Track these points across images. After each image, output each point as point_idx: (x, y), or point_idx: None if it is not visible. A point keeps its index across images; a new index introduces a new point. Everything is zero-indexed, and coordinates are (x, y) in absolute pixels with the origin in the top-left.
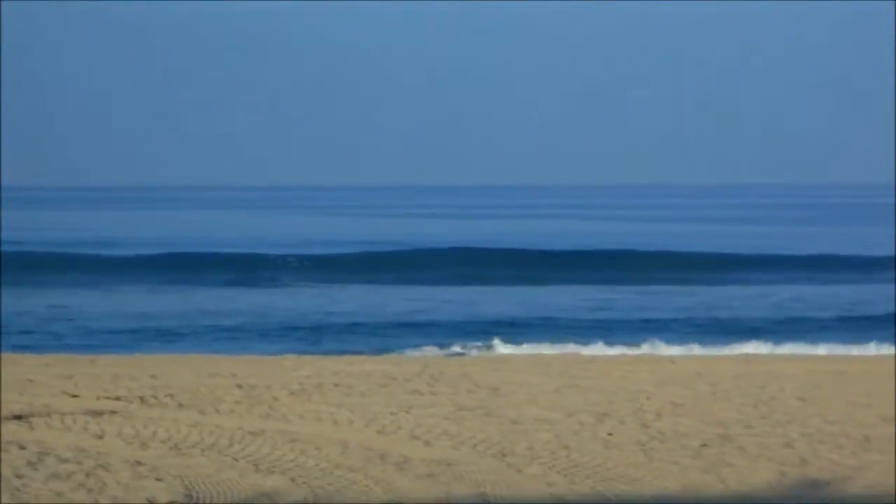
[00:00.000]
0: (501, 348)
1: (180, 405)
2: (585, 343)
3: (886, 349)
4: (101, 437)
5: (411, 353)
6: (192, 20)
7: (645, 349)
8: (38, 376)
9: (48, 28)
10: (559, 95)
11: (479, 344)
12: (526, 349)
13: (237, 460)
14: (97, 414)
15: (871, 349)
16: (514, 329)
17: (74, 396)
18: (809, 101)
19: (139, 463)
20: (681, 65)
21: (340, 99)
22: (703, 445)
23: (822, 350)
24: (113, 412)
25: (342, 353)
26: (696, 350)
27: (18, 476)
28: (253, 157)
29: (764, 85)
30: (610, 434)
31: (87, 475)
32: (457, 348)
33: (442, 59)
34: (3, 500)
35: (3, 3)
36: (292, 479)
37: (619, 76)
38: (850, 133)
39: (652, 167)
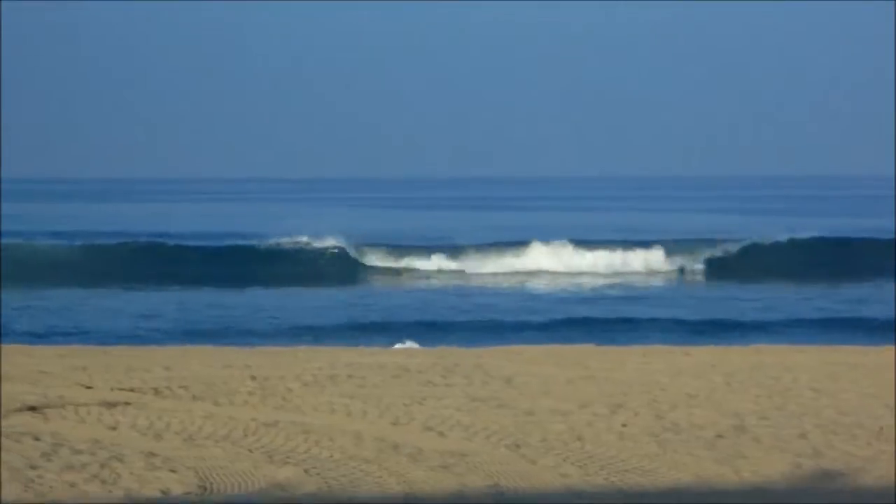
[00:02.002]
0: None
1: (194, 396)
2: None
3: None
4: (114, 429)
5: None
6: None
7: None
8: (51, 367)
9: (60, 22)
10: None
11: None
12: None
13: (251, 451)
14: (111, 405)
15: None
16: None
17: (88, 388)
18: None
19: (153, 454)
20: (681, 64)
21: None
22: (718, 436)
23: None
24: (127, 403)
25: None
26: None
27: (33, 467)
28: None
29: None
30: (624, 425)
31: (102, 466)
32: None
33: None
34: (16, 491)
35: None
36: (306, 471)
37: (621, 73)
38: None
39: (651, 160)
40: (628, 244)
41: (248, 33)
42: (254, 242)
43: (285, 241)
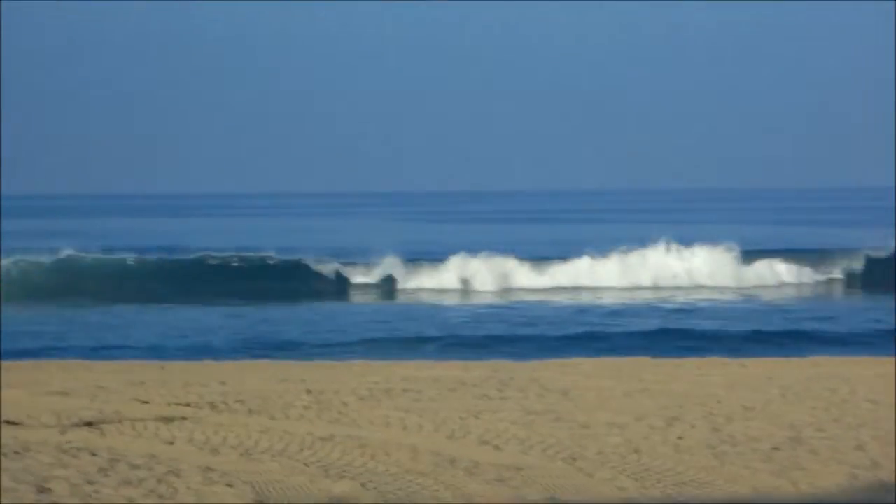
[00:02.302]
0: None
1: (250, 411)
2: None
3: None
4: (171, 443)
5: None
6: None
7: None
8: (109, 383)
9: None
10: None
11: None
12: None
13: (307, 465)
14: (168, 420)
15: None
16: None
17: (145, 403)
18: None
19: (210, 469)
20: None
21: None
22: (775, 449)
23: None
24: (183, 418)
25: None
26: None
27: (90, 482)
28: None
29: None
30: (680, 438)
31: (159, 481)
32: None
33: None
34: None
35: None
36: (362, 485)
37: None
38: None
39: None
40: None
41: (273, 43)
42: (304, 258)
43: (328, 259)
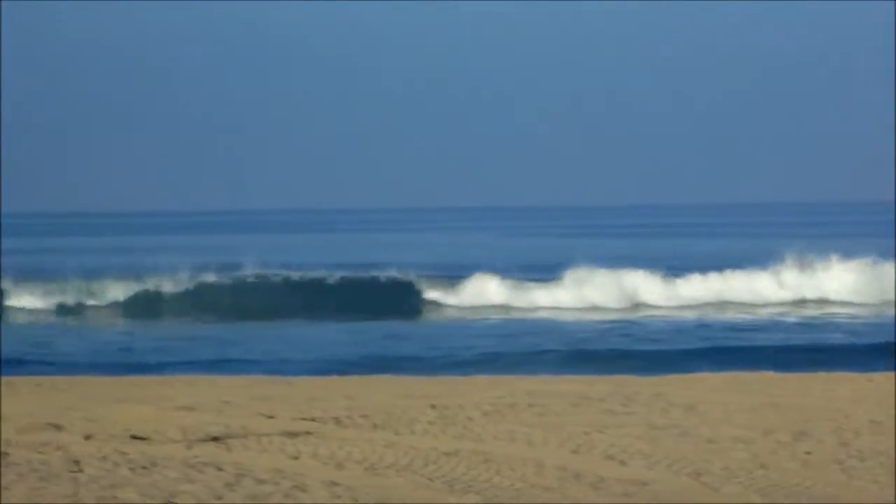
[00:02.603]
0: None
1: (375, 426)
2: None
3: None
4: (297, 458)
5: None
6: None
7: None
8: (234, 398)
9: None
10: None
11: None
12: None
13: (432, 480)
14: (293, 435)
15: None
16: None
17: (270, 417)
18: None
19: (335, 483)
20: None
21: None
22: None
23: None
24: (308, 433)
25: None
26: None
27: (217, 497)
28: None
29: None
30: (808, 453)
31: (285, 496)
32: None
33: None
34: None
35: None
36: (487, 499)
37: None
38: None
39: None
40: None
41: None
42: (421, 273)
43: (442, 275)
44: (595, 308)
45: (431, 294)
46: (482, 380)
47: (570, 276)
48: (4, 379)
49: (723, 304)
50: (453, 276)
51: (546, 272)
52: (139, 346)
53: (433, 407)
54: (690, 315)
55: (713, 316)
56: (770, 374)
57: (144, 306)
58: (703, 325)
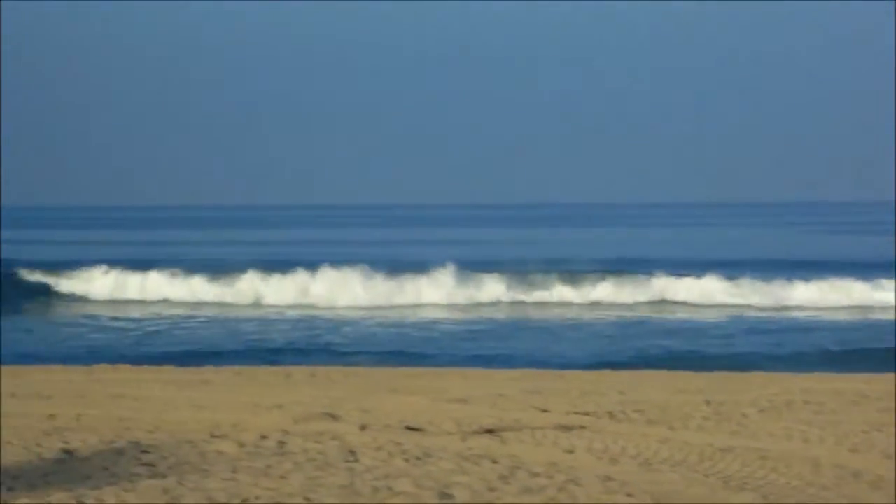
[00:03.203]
0: None
1: (649, 421)
2: None
3: None
4: (571, 452)
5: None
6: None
7: None
8: (507, 390)
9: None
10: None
11: None
12: None
13: (707, 477)
14: (567, 429)
15: None
16: None
17: (544, 411)
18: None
19: (609, 478)
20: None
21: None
22: None
23: None
24: (582, 427)
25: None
26: None
27: (491, 489)
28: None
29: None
30: None
31: (559, 490)
32: None
33: None
34: None
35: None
36: (764, 497)
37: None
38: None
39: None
40: None
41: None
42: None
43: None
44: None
45: (702, 289)
46: (757, 376)
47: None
48: (282, 368)
49: None
50: (731, 272)
51: (819, 268)
52: (408, 338)
53: (708, 403)
54: None
55: None
56: None
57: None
58: None
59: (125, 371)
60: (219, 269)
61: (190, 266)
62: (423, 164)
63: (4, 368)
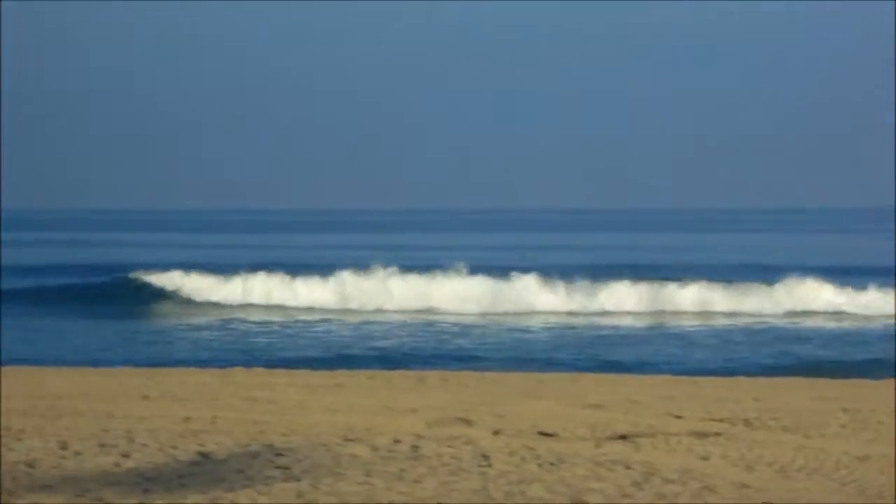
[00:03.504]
0: None
1: (785, 428)
2: None
3: None
4: (706, 459)
5: None
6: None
7: None
8: (641, 397)
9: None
10: None
11: None
12: None
13: (843, 485)
14: (701, 435)
15: None
16: None
17: (678, 417)
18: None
19: (745, 486)
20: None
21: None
22: None
23: None
24: (717, 434)
25: None
26: None
27: (625, 496)
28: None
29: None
30: None
31: (693, 496)
32: None
33: None
34: None
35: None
36: None
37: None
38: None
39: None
40: None
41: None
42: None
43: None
44: None
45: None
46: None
47: None
48: (415, 373)
49: None
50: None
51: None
52: (542, 344)
53: (844, 410)
54: None
55: None
56: None
57: None
58: None
59: (259, 374)
60: (330, 271)
61: (302, 269)
62: (549, 169)
63: (138, 370)
